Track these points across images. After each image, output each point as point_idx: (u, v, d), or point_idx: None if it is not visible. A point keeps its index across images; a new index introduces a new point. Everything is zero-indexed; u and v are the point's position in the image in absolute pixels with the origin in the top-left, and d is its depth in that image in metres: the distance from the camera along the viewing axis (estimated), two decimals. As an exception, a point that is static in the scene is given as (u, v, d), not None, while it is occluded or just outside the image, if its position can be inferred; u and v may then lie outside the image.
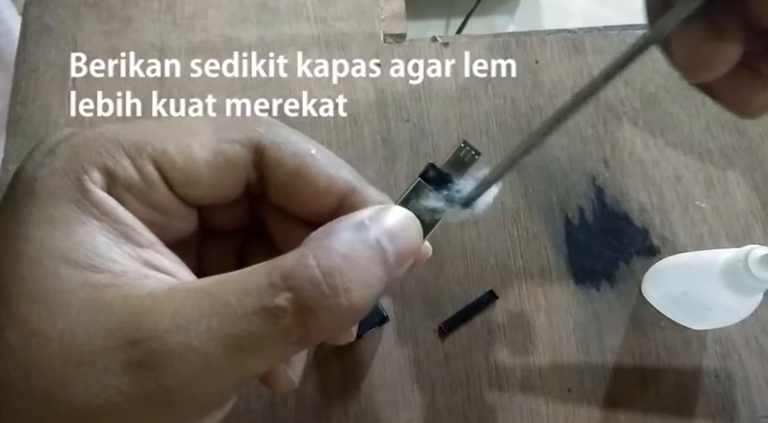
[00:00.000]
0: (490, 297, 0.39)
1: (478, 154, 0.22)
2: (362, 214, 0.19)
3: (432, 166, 0.22)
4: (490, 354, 0.38)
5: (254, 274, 0.17)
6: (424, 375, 0.37)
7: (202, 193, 0.20)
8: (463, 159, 0.22)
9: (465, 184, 0.22)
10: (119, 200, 0.18)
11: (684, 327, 0.38)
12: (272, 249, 0.24)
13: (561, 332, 0.39)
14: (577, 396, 0.37)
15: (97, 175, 0.18)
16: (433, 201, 0.22)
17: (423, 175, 0.22)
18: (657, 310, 0.39)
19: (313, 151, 0.21)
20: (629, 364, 0.38)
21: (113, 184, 0.18)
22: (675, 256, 0.39)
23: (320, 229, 0.19)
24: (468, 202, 0.22)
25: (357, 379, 0.37)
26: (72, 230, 0.17)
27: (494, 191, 0.22)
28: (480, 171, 0.22)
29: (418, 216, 0.21)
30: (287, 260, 0.17)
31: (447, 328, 0.38)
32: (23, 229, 0.17)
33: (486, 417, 0.37)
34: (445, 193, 0.22)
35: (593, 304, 0.39)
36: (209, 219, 0.23)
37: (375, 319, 0.36)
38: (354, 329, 0.21)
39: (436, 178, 0.22)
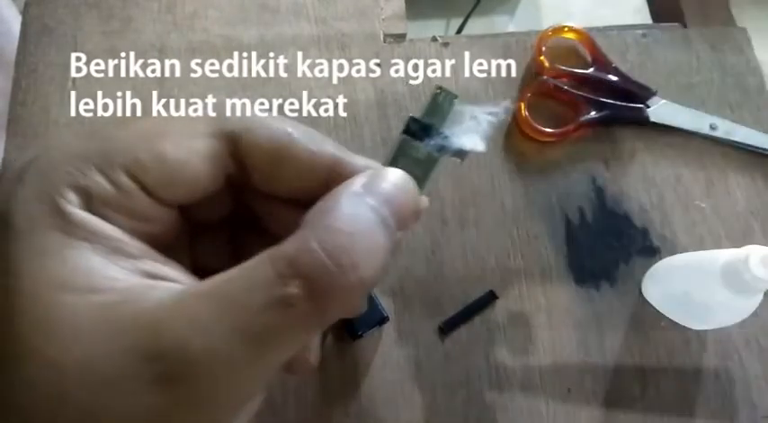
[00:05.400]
0: (490, 297, 0.39)
1: (455, 97, 0.22)
2: (355, 183, 0.19)
3: (413, 119, 0.22)
4: (490, 354, 0.38)
5: (259, 267, 0.17)
6: (424, 375, 0.37)
7: (182, 192, 0.20)
8: (441, 105, 0.22)
9: (450, 131, 0.22)
10: (100, 216, 0.18)
11: (684, 327, 0.38)
12: (265, 234, 0.23)
13: (561, 332, 0.39)
14: (577, 396, 0.37)
15: (72, 196, 0.17)
16: (422, 153, 0.22)
17: (406, 131, 0.22)
18: (657, 310, 0.39)
19: (290, 130, 0.21)
20: (629, 364, 0.38)
21: (90, 201, 0.18)
22: (675, 256, 0.39)
23: (315, 207, 0.19)
24: (456, 148, 0.22)
25: (357, 379, 0.37)
26: (63, 257, 0.16)
27: (484, 128, 0.22)
28: (464, 114, 0.22)
29: (410, 172, 0.21)
30: (289, 247, 0.17)
31: (447, 328, 0.38)
32: (9, 264, 0.16)
33: (486, 417, 0.37)
34: (431, 142, 0.22)
35: (593, 304, 0.39)
36: (195, 215, 0.22)
37: (375, 319, 0.36)
38: (365, 300, 0.21)
39: (419, 130, 0.22)
